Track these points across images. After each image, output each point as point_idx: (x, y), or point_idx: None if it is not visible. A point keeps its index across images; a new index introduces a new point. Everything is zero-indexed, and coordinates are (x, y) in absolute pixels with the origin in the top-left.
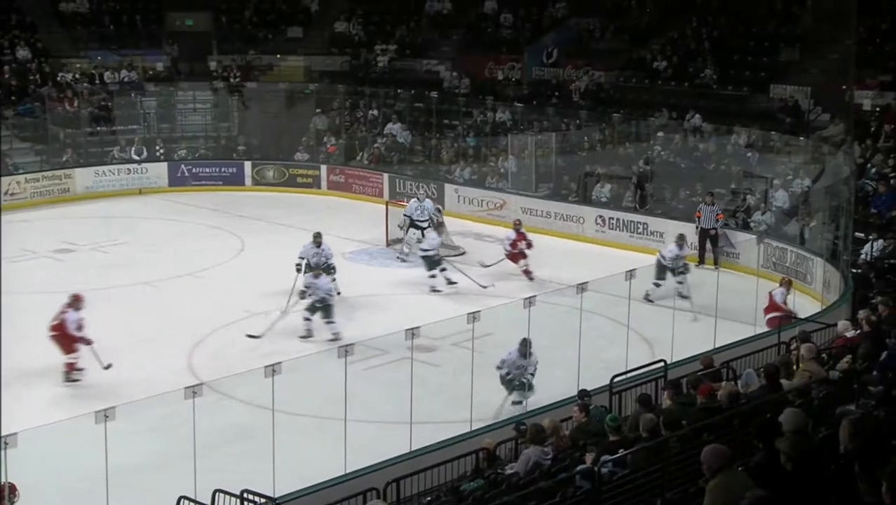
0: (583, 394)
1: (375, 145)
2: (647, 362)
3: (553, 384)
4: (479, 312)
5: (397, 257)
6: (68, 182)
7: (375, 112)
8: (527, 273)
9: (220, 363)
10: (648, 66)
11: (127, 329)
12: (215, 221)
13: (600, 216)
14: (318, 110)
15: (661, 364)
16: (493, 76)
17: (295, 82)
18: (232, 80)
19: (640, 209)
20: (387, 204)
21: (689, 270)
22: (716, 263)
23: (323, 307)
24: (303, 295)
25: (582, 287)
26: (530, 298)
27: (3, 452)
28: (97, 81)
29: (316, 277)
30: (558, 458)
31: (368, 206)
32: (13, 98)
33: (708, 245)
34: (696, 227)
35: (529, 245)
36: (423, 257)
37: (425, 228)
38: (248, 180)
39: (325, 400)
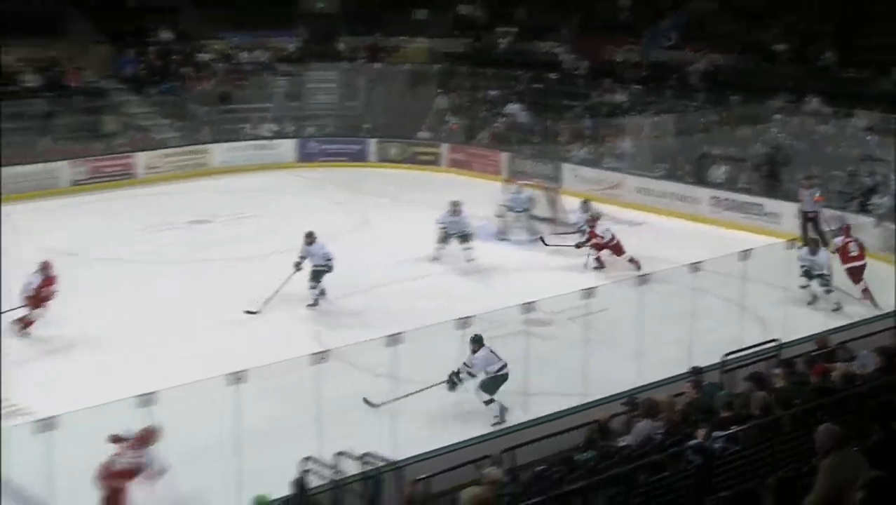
0: (695, 371)
1: (495, 125)
2: (760, 341)
3: (666, 361)
4: (594, 288)
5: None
6: (205, 157)
7: (496, 92)
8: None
9: (343, 333)
10: (767, 48)
11: (256, 297)
12: (341, 196)
13: (715, 197)
14: (440, 90)
15: (775, 343)
16: (612, 58)
17: (419, 63)
18: (359, 61)
19: (754, 191)
20: (505, 181)
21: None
22: (825, 244)
23: (313, 272)
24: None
25: (696, 267)
26: (644, 275)
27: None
28: (233, 62)
29: (309, 243)
30: (670, 432)
31: (487, 183)
32: (156, 77)
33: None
34: (798, 211)
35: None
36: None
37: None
38: (372, 157)
39: (445, 370)
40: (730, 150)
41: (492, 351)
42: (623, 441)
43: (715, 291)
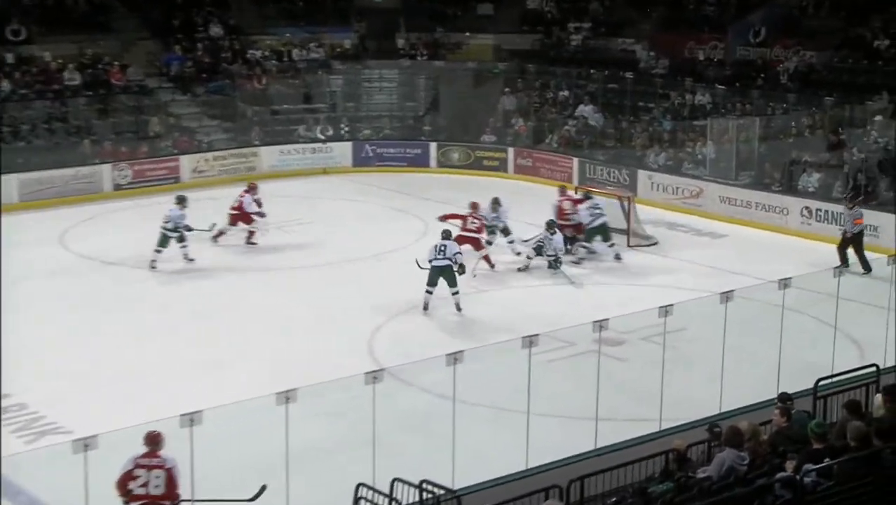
0: (784, 397)
1: (566, 128)
2: (857, 366)
3: (752, 385)
4: (671, 305)
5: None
6: (254, 160)
7: (566, 93)
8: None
9: (400, 349)
10: (868, 44)
11: (308, 310)
12: (399, 203)
13: (807, 207)
14: (506, 90)
15: (874, 368)
16: (694, 56)
17: (484, 61)
18: (420, 58)
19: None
20: (576, 189)
21: None
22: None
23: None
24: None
25: (785, 283)
26: (728, 292)
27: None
28: (286, 59)
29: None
30: (756, 463)
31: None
32: (204, 76)
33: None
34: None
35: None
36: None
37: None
38: (433, 162)
39: (508, 392)
40: (823, 155)
41: None
42: (703, 472)
43: (806, 309)
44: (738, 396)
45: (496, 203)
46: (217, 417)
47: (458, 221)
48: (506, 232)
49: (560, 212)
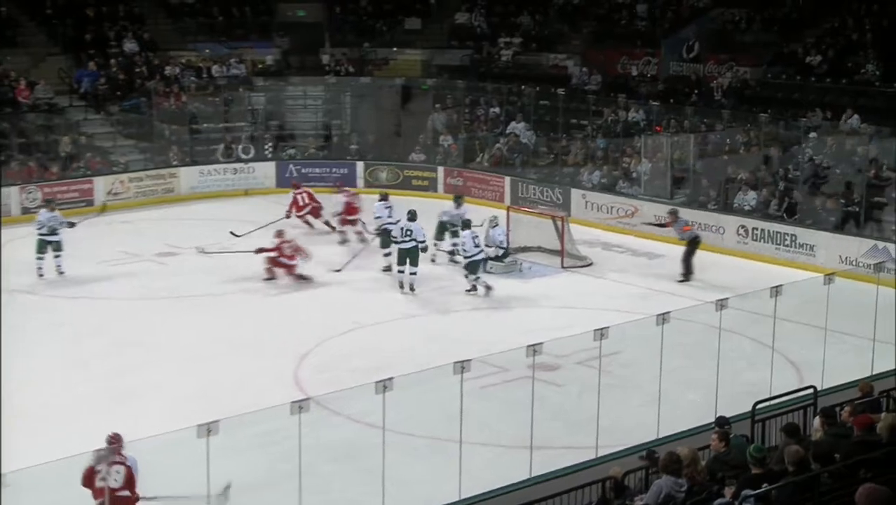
0: (721, 421)
1: (497, 146)
2: (795, 389)
3: (688, 409)
4: (607, 328)
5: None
6: (173, 182)
7: (497, 110)
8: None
9: (327, 376)
10: (801, 60)
11: (230, 338)
12: (323, 226)
13: (743, 226)
14: (436, 106)
15: (811, 390)
16: (627, 72)
17: (412, 77)
18: (345, 74)
19: (787, 219)
20: (508, 210)
21: None
22: None
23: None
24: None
25: (721, 303)
26: (664, 314)
27: None
28: (204, 75)
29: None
30: (693, 490)
31: (488, 211)
32: (119, 93)
33: None
34: None
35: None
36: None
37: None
38: (360, 182)
39: (439, 419)
40: (759, 173)
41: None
42: (641, 500)
43: (744, 330)
44: (675, 421)
45: (460, 200)
46: (133, 452)
47: (274, 253)
48: (466, 225)
49: (349, 208)
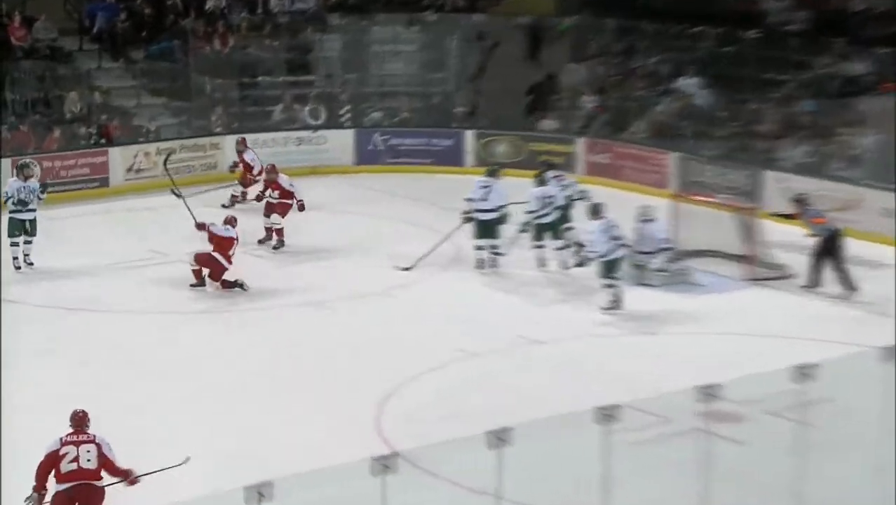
0: None
1: (659, 110)
2: None
3: None
4: (813, 365)
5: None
6: (215, 154)
7: (659, 58)
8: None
9: (416, 427)
10: None
11: (288, 370)
12: (418, 217)
13: None
14: (576, 55)
15: None
16: (845, 7)
17: (543, 15)
18: (449, 10)
19: None
20: (674, 198)
21: None
22: None
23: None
24: None
25: None
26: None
27: None
28: (259, 10)
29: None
30: None
31: (646, 200)
32: (144, 34)
33: None
34: None
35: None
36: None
37: None
38: (468, 158)
39: (573, 485)
40: None
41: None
42: None
43: None
44: None
45: (495, 171)
46: None
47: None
48: (595, 213)
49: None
